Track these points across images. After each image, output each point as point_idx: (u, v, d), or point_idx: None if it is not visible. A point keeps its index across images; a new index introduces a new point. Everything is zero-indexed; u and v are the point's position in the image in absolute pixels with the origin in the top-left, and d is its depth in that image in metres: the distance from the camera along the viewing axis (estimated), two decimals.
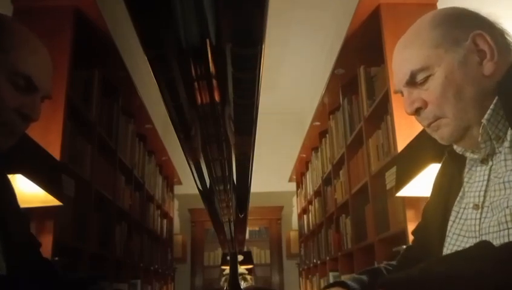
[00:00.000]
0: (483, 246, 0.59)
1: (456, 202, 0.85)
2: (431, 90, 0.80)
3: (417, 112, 0.83)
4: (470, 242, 0.78)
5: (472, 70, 0.78)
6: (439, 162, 0.97)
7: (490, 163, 0.79)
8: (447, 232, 0.84)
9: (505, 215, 0.70)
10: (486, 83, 0.77)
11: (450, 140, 0.82)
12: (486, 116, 0.75)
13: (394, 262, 1.02)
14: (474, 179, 0.82)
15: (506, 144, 0.74)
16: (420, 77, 0.81)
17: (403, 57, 0.84)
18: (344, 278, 0.91)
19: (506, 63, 0.79)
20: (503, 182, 0.72)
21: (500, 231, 0.71)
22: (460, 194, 0.85)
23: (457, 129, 0.79)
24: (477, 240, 0.76)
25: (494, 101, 0.75)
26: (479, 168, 0.82)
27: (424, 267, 0.58)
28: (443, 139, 0.83)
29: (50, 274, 0.95)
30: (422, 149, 1.37)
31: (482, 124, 0.75)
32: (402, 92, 0.86)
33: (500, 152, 0.76)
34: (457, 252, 0.73)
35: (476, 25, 0.80)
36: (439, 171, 0.96)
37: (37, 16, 2.20)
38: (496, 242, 0.71)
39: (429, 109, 0.81)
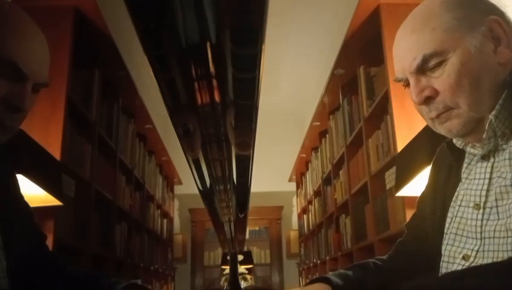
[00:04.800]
0: None
1: (454, 198, 0.82)
2: (444, 78, 0.73)
3: (426, 101, 0.76)
4: (470, 243, 0.76)
5: (489, 57, 0.72)
6: None
7: (492, 160, 0.75)
8: (445, 229, 0.81)
9: None
10: (501, 72, 0.73)
11: (460, 132, 0.75)
12: (494, 112, 0.70)
13: (384, 257, 0.99)
14: (474, 176, 0.78)
15: None
16: (432, 62, 0.74)
17: (412, 41, 0.76)
18: (330, 273, 0.90)
19: None
20: (510, 185, 0.69)
21: (508, 237, 0.68)
22: (458, 189, 0.82)
23: (469, 121, 0.73)
24: (478, 242, 0.74)
25: (503, 96, 0.71)
26: (479, 164, 0.77)
27: (455, 277, 0.56)
28: (451, 131, 0.76)
29: (54, 269, 0.94)
30: (422, 149, 1.36)
31: (489, 120, 0.71)
32: (404, 80, 0.79)
33: (504, 150, 0.72)
34: (490, 265, 0.68)
35: (490, 10, 0.75)
36: (434, 162, 0.93)
37: (37, 16, 2.17)
38: (503, 248, 0.68)
39: (441, 99, 0.74)
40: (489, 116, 0.71)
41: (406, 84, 0.80)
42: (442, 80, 0.73)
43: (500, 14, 0.75)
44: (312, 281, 0.88)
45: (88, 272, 0.99)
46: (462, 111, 0.73)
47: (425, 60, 0.74)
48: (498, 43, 0.73)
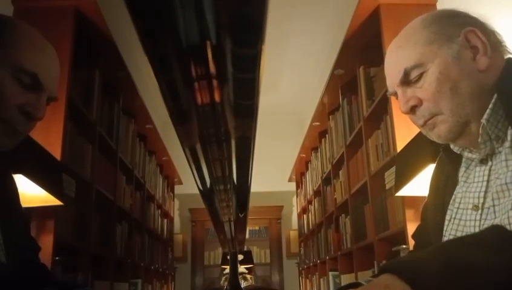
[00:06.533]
0: (497, 231, 0.57)
1: (451, 201, 0.84)
2: (425, 87, 0.78)
3: (412, 110, 0.81)
4: None
5: (467, 65, 0.77)
6: None
7: (490, 163, 0.77)
8: (443, 232, 0.83)
9: (508, 218, 0.68)
10: (482, 78, 0.76)
11: (448, 137, 0.79)
12: (485, 116, 0.73)
13: None
14: (473, 179, 0.80)
15: (507, 144, 0.72)
16: (414, 74, 0.79)
17: (396, 57, 0.83)
18: (361, 279, 0.89)
19: (500, 61, 0.78)
20: (506, 183, 0.70)
21: None
22: (455, 192, 0.84)
23: (455, 125, 0.77)
24: None
25: (493, 100, 0.74)
26: (477, 168, 0.80)
27: (433, 250, 0.56)
28: (440, 137, 0.80)
29: (43, 281, 0.93)
30: (422, 149, 1.37)
31: (482, 124, 0.74)
32: (395, 94, 0.85)
33: (500, 152, 0.74)
34: (469, 236, 0.71)
35: (468, 22, 0.80)
36: (435, 170, 0.95)
37: (37, 16, 2.20)
38: None
39: (425, 106, 0.79)
40: (481, 120, 0.74)
41: (397, 97, 0.85)
42: (424, 89, 0.79)
43: (479, 25, 0.80)
44: (342, 288, 0.87)
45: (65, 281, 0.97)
46: (446, 116, 0.77)
47: (407, 73, 0.80)
48: (477, 51, 0.77)
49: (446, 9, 0.85)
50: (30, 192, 1.47)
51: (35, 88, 0.80)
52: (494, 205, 0.73)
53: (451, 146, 0.85)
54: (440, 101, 0.77)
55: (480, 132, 0.74)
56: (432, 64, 0.78)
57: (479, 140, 0.75)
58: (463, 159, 0.84)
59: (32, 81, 0.79)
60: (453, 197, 0.84)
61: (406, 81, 0.81)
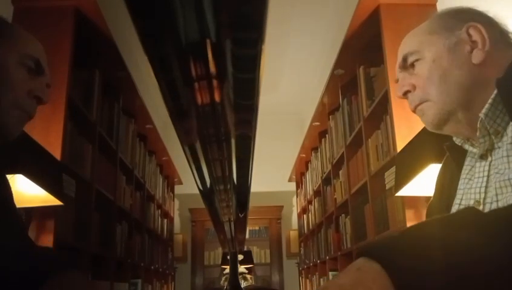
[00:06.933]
0: (470, 212, 0.58)
1: (455, 199, 0.85)
2: (419, 73, 0.83)
3: (405, 95, 0.86)
4: None
5: (462, 57, 0.79)
6: (439, 162, 0.96)
7: (489, 158, 0.78)
8: None
9: None
10: (476, 71, 0.78)
11: (434, 123, 0.82)
12: (484, 110, 0.74)
13: None
14: (474, 176, 0.81)
15: (508, 139, 0.73)
16: (410, 60, 0.84)
17: (402, 44, 0.88)
18: None
19: (502, 58, 0.78)
20: (508, 179, 0.71)
21: None
22: (458, 189, 0.85)
23: (439, 112, 0.80)
24: None
25: (493, 96, 0.74)
26: (478, 164, 0.81)
27: (405, 230, 0.57)
28: (428, 123, 0.84)
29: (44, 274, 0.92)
30: (422, 149, 1.37)
31: (480, 119, 0.74)
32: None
33: (500, 147, 0.75)
34: (442, 217, 0.72)
35: (474, 18, 0.82)
36: (440, 170, 0.96)
37: (37, 16, 2.20)
38: None
39: (417, 92, 0.83)
40: (480, 114, 0.75)
41: None
42: (418, 76, 0.83)
43: (486, 23, 0.81)
44: None
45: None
46: (432, 103, 0.81)
47: (405, 58, 0.85)
48: (476, 45, 0.79)
49: (460, 6, 0.87)
50: (30, 192, 1.47)
51: (39, 72, 0.86)
52: (497, 201, 0.73)
53: (454, 138, 0.86)
54: (430, 88, 0.81)
55: (478, 126, 0.75)
56: (428, 52, 0.82)
57: (477, 134, 0.76)
58: (467, 159, 0.85)
59: (36, 66, 0.85)
60: (456, 194, 0.85)
61: (405, 66, 0.85)
